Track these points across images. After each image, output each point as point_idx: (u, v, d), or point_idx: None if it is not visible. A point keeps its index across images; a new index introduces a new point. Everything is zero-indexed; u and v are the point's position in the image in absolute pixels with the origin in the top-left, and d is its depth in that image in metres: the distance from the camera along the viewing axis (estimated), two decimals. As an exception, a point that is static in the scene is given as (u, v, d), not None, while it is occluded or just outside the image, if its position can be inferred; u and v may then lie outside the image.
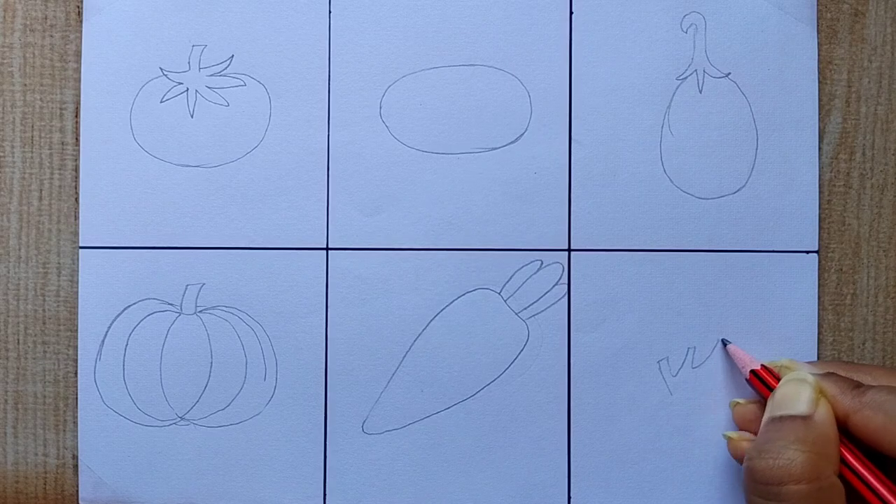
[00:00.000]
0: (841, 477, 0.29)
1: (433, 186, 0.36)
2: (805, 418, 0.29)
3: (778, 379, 0.32)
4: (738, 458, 0.33)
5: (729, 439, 0.34)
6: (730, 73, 0.36)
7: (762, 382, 0.33)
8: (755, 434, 0.32)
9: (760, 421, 0.32)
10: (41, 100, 0.36)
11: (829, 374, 0.31)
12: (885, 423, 0.29)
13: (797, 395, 0.30)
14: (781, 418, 0.30)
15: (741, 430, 0.34)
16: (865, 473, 0.29)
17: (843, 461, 0.29)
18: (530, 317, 0.36)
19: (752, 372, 0.33)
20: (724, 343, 0.35)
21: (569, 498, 0.35)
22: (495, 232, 0.36)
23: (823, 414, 0.29)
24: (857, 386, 0.30)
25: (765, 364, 0.33)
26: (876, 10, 0.36)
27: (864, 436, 0.29)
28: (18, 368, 0.36)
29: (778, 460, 0.28)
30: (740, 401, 0.34)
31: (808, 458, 0.28)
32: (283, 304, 0.36)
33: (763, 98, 0.36)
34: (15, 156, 0.36)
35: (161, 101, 0.36)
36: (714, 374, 0.35)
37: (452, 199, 0.36)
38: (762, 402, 0.33)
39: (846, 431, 0.30)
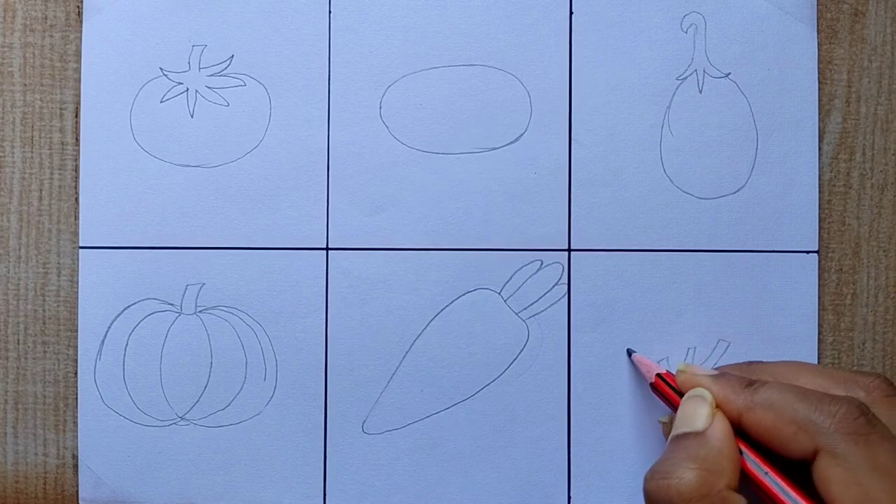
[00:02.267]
0: (751, 483, 0.29)
1: (433, 186, 0.36)
2: (698, 434, 0.29)
3: (676, 387, 0.32)
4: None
5: (664, 426, 0.34)
6: (730, 73, 0.36)
7: (667, 387, 0.32)
8: None
9: None
10: (41, 100, 0.36)
11: (721, 375, 0.31)
12: (775, 422, 0.28)
13: (693, 411, 0.30)
14: (677, 437, 0.30)
15: None
16: (773, 476, 0.28)
17: (746, 467, 0.29)
18: (530, 317, 0.36)
19: (657, 377, 0.33)
20: (629, 353, 0.35)
21: (569, 498, 0.35)
22: (495, 232, 0.36)
23: (717, 429, 0.29)
24: (750, 384, 0.30)
25: (668, 371, 0.33)
26: (876, 10, 0.36)
27: (756, 436, 0.29)
28: (18, 368, 0.36)
29: (667, 480, 0.28)
30: (664, 419, 0.34)
31: (696, 476, 0.28)
32: (283, 304, 0.36)
33: (763, 98, 0.36)
34: (15, 156, 0.36)
35: (161, 101, 0.36)
36: (714, 374, 0.35)
37: (452, 199, 0.36)
38: (672, 409, 0.33)
39: (749, 436, 0.29)
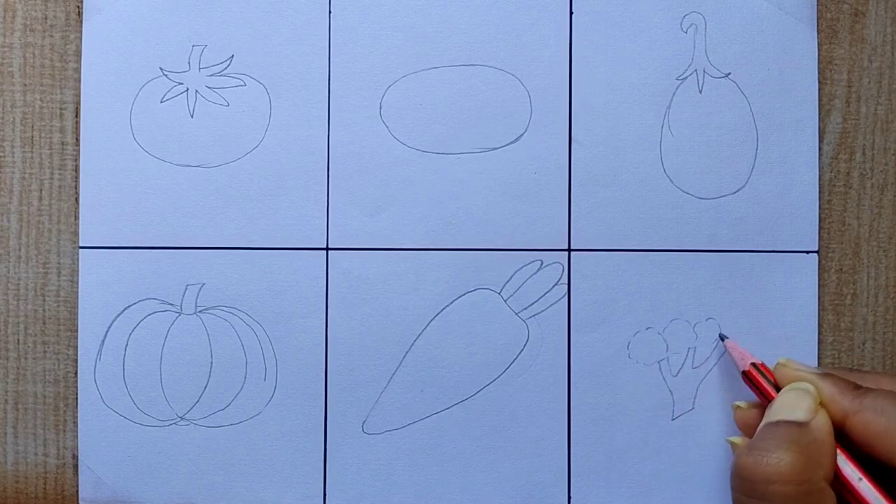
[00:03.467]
0: (836, 489, 0.28)
1: (433, 186, 0.36)
2: (801, 424, 0.29)
3: (773, 379, 0.32)
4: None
5: (733, 445, 0.33)
6: (730, 73, 0.36)
7: (761, 377, 0.32)
8: None
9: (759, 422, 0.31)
10: (41, 100, 0.36)
11: (828, 375, 0.31)
12: (887, 428, 0.28)
13: (796, 402, 0.30)
14: (777, 423, 0.29)
15: (744, 433, 0.33)
16: (869, 485, 0.28)
17: (842, 471, 0.29)
18: (530, 317, 0.36)
19: (751, 366, 0.33)
20: (722, 338, 0.35)
21: (569, 498, 0.35)
22: (495, 232, 0.36)
23: (821, 422, 0.29)
24: (858, 388, 0.30)
25: (763, 363, 0.33)
26: (876, 10, 0.36)
27: (861, 439, 0.29)
28: (18, 368, 0.36)
29: (767, 458, 0.28)
30: (741, 404, 0.33)
31: (797, 460, 0.27)
32: (283, 304, 0.36)
33: (763, 98, 0.36)
34: (15, 156, 0.36)
35: (161, 101, 0.36)
36: (714, 374, 0.35)
37: (452, 199, 0.36)
38: (762, 406, 0.33)
39: (843, 438, 0.29)
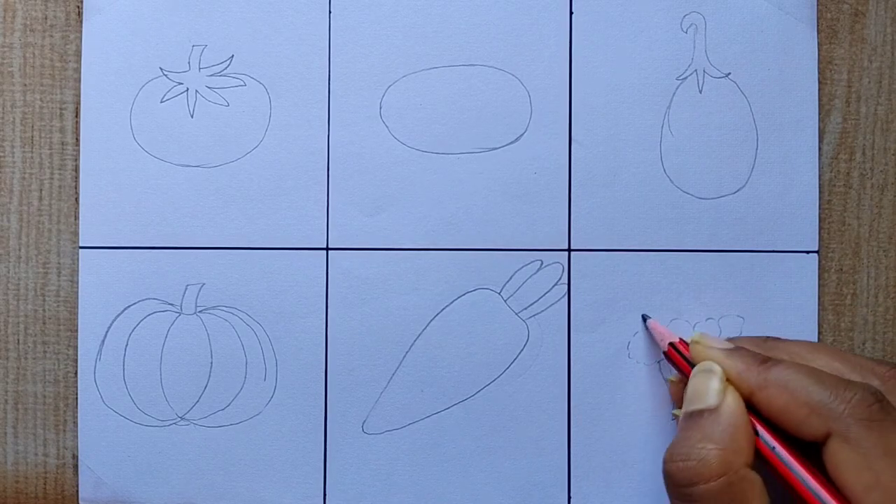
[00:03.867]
0: (763, 460, 0.29)
1: (433, 186, 0.36)
2: (711, 411, 0.29)
3: (689, 359, 0.32)
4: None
5: (675, 416, 0.34)
6: (730, 73, 0.36)
7: (680, 356, 0.33)
8: None
9: None
10: (41, 100, 0.36)
11: (736, 350, 0.31)
12: (788, 403, 0.28)
13: (704, 387, 0.30)
14: (691, 414, 0.30)
15: (679, 407, 0.33)
16: (782, 453, 0.28)
17: (760, 442, 0.29)
18: (530, 317, 0.36)
19: (669, 346, 0.33)
20: (644, 319, 0.35)
21: (569, 498, 0.35)
22: (495, 232, 0.36)
23: (730, 403, 0.29)
24: (764, 361, 0.30)
25: (682, 339, 0.33)
26: (876, 10, 0.36)
27: (768, 415, 0.29)
28: (18, 368, 0.36)
29: (688, 461, 0.28)
30: (673, 378, 0.34)
31: (716, 455, 0.28)
32: (283, 304, 0.36)
33: (763, 98, 0.36)
34: (15, 156, 0.36)
35: (161, 101, 0.36)
36: (714, 374, 0.35)
37: (452, 199, 0.36)
38: (684, 379, 0.33)
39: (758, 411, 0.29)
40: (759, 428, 0.29)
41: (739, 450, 0.28)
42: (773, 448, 0.29)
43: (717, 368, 0.30)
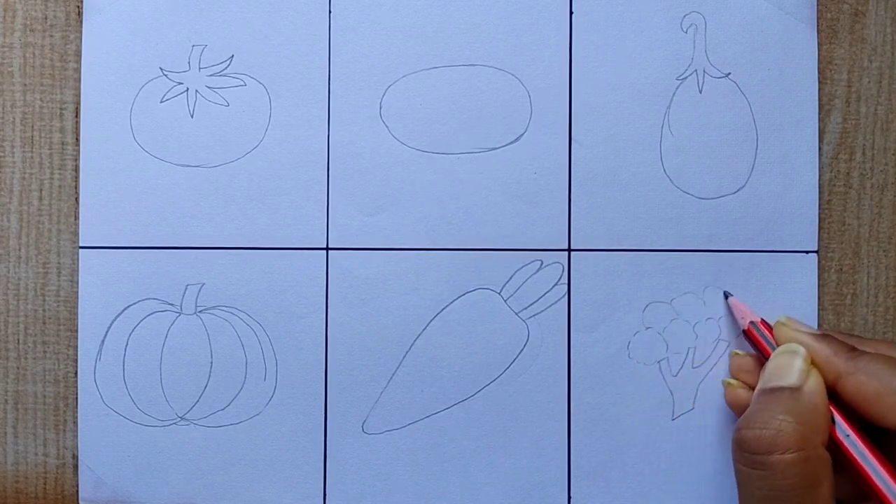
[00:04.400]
0: (835, 446, 0.29)
1: (433, 186, 0.36)
2: (794, 389, 0.30)
3: (771, 336, 0.32)
4: (734, 406, 0.34)
5: (728, 385, 0.34)
6: (730, 73, 0.36)
7: (760, 336, 0.33)
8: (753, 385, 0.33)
9: (756, 372, 0.33)
10: (41, 100, 0.36)
11: (824, 336, 0.31)
12: (878, 390, 0.29)
13: (788, 366, 0.30)
14: (772, 390, 0.30)
15: (738, 378, 0.34)
16: (857, 441, 0.29)
17: (835, 429, 0.29)
18: (530, 317, 0.36)
19: (750, 324, 0.33)
20: (726, 296, 0.35)
21: (569, 498, 0.35)
22: (495, 232, 0.36)
23: (813, 385, 0.30)
24: (853, 350, 0.30)
25: (763, 320, 0.33)
26: (876, 10, 0.36)
27: (853, 401, 0.29)
28: (18, 368, 0.36)
29: (766, 430, 0.29)
30: (739, 352, 0.34)
31: (795, 429, 0.28)
32: (283, 304, 0.36)
33: (763, 98, 0.36)
34: (15, 156, 0.36)
35: (161, 101, 0.36)
36: (714, 374, 0.35)
37: (452, 199, 0.36)
38: (760, 359, 0.33)
39: (836, 399, 0.30)
40: (836, 415, 0.30)
41: (818, 429, 0.29)
42: (848, 436, 0.29)
43: (803, 351, 0.31)
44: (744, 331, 0.34)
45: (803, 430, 0.28)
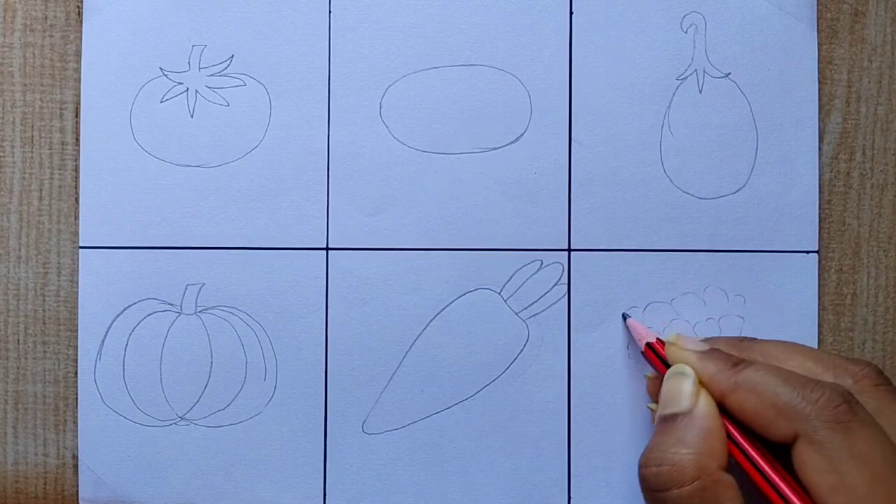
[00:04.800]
0: (735, 463, 0.29)
1: (433, 186, 0.36)
2: (685, 415, 0.29)
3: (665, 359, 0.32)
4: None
5: (650, 409, 0.34)
6: (730, 73, 0.36)
7: (656, 356, 0.33)
8: None
9: None
10: (41, 100, 0.36)
11: (709, 352, 0.31)
12: (756, 406, 0.28)
13: (677, 390, 0.30)
14: (665, 418, 0.30)
15: (656, 401, 0.34)
16: (754, 456, 0.28)
17: (732, 448, 0.29)
18: (530, 317, 0.36)
19: (646, 346, 0.33)
20: (624, 318, 0.35)
21: (569, 498, 0.35)
22: (495, 232, 0.36)
23: (703, 408, 0.29)
24: (736, 364, 0.30)
25: (659, 339, 0.33)
26: (876, 10, 0.36)
27: (740, 418, 0.29)
28: (18, 368, 0.36)
29: (661, 467, 0.28)
30: (649, 375, 0.34)
31: (690, 459, 0.28)
32: (283, 304, 0.36)
33: (763, 98, 0.36)
34: (15, 156, 0.36)
35: (161, 101, 0.36)
36: (714, 374, 0.35)
37: (452, 199, 0.36)
38: (660, 377, 0.33)
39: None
40: (731, 431, 0.29)
41: (713, 453, 0.28)
42: (745, 451, 0.29)
43: (691, 371, 0.30)
44: (641, 352, 0.34)
45: (697, 459, 0.28)
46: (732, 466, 0.29)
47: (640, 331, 0.34)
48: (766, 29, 0.36)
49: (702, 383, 0.30)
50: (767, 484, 0.28)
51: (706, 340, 0.33)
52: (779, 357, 0.31)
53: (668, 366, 0.32)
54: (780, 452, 0.28)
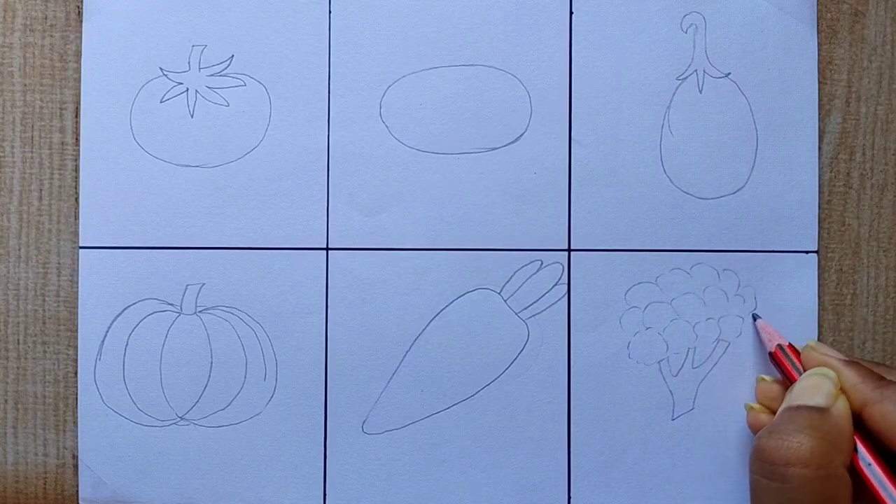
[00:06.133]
0: (854, 473, 0.29)
1: (433, 186, 0.36)
2: (821, 410, 0.29)
3: (799, 362, 0.32)
4: (755, 429, 0.33)
5: (750, 409, 0.34)
6: (730, 73, 0.36)
7: (786, 359, 0.33)
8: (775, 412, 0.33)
9: (781, 399, 0.32)
10: (41, 100, 0.36)
11: (852, 362, 0.31)
12: None
13: (817, 387, 0.30)
14: (798, 408, 0.30)
15: (763, 405, 0.34)
16: (877, 471, 0.29)
17: (856, 456, 0.29)
18: (530, 317, 0.36)
19: (777, 347, 0.33)
20: (755, 318, 0.35)
21: (569, 498, 0.35)
22: (495, 232, 0.36)
23: (840, 408, 0.30)
24: (881, 379, 0.30)
25: (791, 344, 0.33)
26: (876, 10, 0.36)
27: (878, 429, 0.29)
28: (18, 368, 0.36)
29: (787, 442, 0.28)
30: (766, 378, 0.34)
31: (817, 444, 0.28)
32: (283, 304, 0.36)
33: (763, 98, 0.36)
34: (15, 156, 0.36)
35: (161, 101, 0.36)
36: (714, 374, 0.35)
37: (452, 199, 0.36)
38: (786, 382, 0.33)
39: (862, 427, 0.30)
40: (859, 443, 0.29)
41: (841, 449, 0.28)
42: (870, 465, 0.29)
43: (833, 375, 0.31)
44: (770, 353, 0.34)
45: (825, 448, 0.28)
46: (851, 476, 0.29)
47: (770, 333, 0.34)
48: (766, 29, 0.36)
49: (841, 390, 0.30)
50: (889, 501, 0.28)
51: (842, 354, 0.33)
52: None
53: (798, 371, 0.32)
54: None
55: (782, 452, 0.28)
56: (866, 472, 0.29)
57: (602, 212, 0.36)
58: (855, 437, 0.29)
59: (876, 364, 0.33)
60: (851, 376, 0.30)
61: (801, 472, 0.28)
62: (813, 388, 0.30)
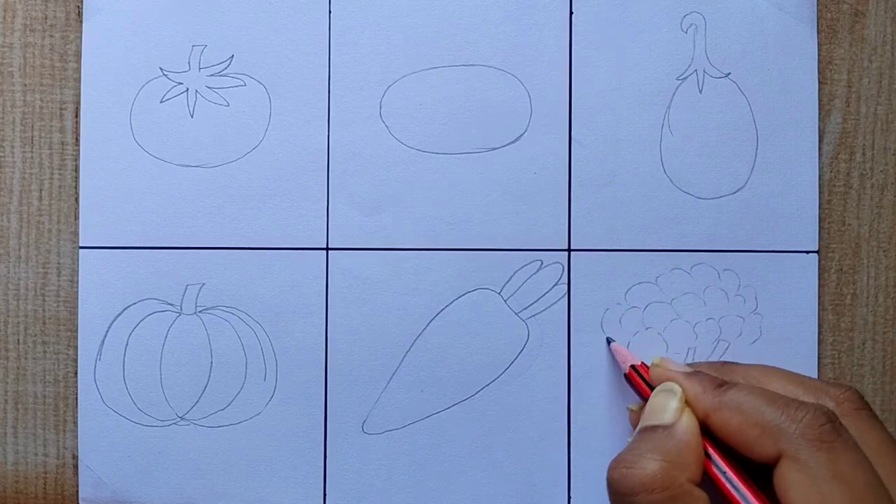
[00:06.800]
0: (712, 483, 0.29)
1: (433, 186, 0.36)
2: (666, 427, 0.29)
3: (649, 380, 0.32)
4: None
5: (631, 411, 0.34)
6: (730, 73, 0.36)
7: (640, 378, 0.33)
8: None
9: None
10: (41, 100, 0.36)
11: (694, 374, 0.31)
12: (740, 424, 0.28)
13: (663, 405, 0.30)
14: (645, 429, 0.30)
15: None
16: (732, 477, 0.29)
17: (711, 465, 0.29)
18: (530, 317, 0.36)
19: (630, 368, 0.33)
20: (609, 342, 0.35)
21: (569, 498, 0.35)
22: (495, 232, 0.36)
23: (685, 423, 0.29)
24: (720, 385, 0.30)
25: (643, 363, 0.33)
26: (876, 10, 0.36)
27: (722, 437, 0.29)
28: (18, 368, 0.36)
29: (631, 470, 0.28)
30: (633, 406, 0.34)
31: (659, 467, 0.28)
32: (283, 304, 0.36)
33: (763, 98, 0.36)
34: (15, 156, 0.36)
35: (161, 101, 0.36)
36: (714, 374, 0.35)
37: (452, 199, 0.36)
38: (643, 400, 0.33)
39: (713, 435, 0.30)
40: (710, 451, 0.29)
41: (686, 466, 0.28)
42: (723, 472, 0.29)
43: (678, 389, 0.31)
44: (625, 375, 0.34)
45: (667, 468, 0.28)
46: (708, 487, 0.28)
47: (623, 354, 0.34)
48: (766, 29, 0.36)
49: (687, 403, 0.30)
50: (740, 499, 0.28)
51: (689, 365, 0.33)
52: (760, 380, 0.31)
53: (651, 388, 0.32)
54: (762, 476, 0.28)
55: (627, 482, 0.28)
56: (722, 479, 0.29)
57: (602, 212, 0.36)
58: (708, 447, 0.29)
59: (722, 364, 0.33)
60: (693, 387, 0.30)
61: (646, 499, 0.28)
62: (659, 407, 0.30)
